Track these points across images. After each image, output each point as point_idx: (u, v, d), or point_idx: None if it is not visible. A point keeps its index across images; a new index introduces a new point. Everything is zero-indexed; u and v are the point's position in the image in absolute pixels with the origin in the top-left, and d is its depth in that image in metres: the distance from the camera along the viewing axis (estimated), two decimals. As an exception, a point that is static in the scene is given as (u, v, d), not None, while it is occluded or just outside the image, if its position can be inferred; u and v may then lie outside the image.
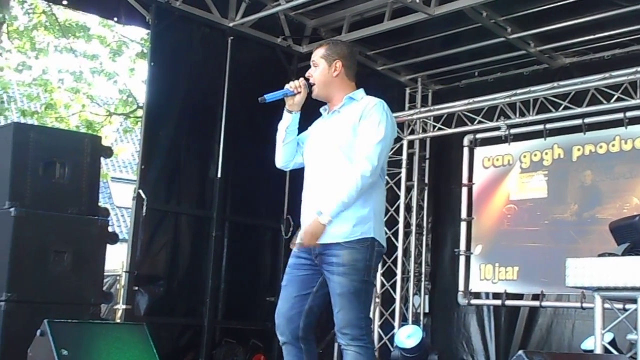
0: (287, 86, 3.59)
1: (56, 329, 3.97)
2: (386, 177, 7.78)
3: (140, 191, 5.99)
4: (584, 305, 6.21)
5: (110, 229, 5.11)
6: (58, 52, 12.19)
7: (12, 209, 4.47)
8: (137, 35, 12.59)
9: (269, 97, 3.57)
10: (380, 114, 3.49)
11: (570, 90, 6.57)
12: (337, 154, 3.49)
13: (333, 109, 3.63)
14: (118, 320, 5.90)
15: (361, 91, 3.69)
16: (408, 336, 6.29)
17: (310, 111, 3.68)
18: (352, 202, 3.42)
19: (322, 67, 3.62)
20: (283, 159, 3.76)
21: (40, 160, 4.68)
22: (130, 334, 4.33)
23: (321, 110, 3.75)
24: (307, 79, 3.63)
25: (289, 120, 3.65)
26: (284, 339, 3.48)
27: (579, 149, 6.74)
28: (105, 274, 5.23)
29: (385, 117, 3.50)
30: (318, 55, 3.65)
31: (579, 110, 6.56)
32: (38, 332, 3.99)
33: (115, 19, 6.55)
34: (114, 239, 5.05)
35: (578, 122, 6.63)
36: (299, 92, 3.57)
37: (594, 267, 4.01)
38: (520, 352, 2.46)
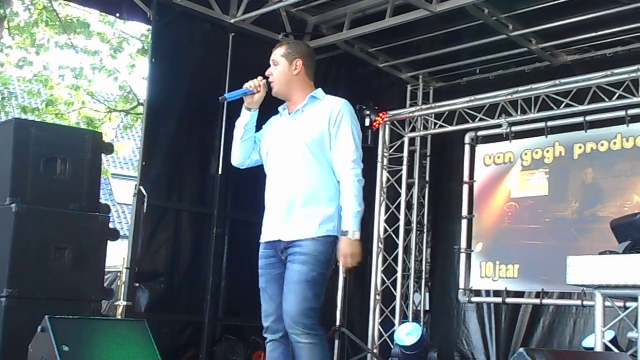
0: (246, 85, 3.68)
1: (57, 324, 3.98)
2: (387, 174, 7.82)
3: (141, 188, 5.99)
4: (585, 303, 6.22)
5: (110, 225, 5.11)
6: (59, 47, 12.18)
7: (13, 205, 4.47)
8: (137, 31, 12.58)
9: (229, 96, 3.70)
10: (349, 117, 3.62)
11: (572, 88, 6.56)
12: (305, 152, 3.56)
13: (295, 108, 3.68)
14: (119, 317, 5.90)
15: (320, 90, 3.77)
16: (407, 333, 6.30)
17: (268, 109, 3.74)
18: (362, 206, 3.57)
19: (282, 65, 3.69)
20: (240, 157, 3.82)
21: (41, 157, 4.67)
22: (131, 330, 4.33)
23: (280, 109, 3.80)
24: (266, 78, 3.69)
25: (247, 118, 3.72)
26: (276, 336, 3.51)
27: (580, 147, 6.73)
28: (106, 270, 5.23)
29: (353, 120, 3.64)
30: (278, 54, 3.72)
31: (580, 107, 6.56)
32: (39, 327, 4.00)
33: (117, 14, 6.56)
34: (115, 235, 5.06)
35: (579, 119, 6.63)
36: (258, 91, 3.66)
37: (594, 265, 4.01)
38: (521, 349, 2.46)
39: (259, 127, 3.81)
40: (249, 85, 3.65)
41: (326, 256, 3.55)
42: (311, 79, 3.75)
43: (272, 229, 3.61)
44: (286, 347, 3.53)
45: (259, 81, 3.65)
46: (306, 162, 3.56)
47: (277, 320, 3.52)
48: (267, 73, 3.72)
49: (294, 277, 3.46)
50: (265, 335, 3.54)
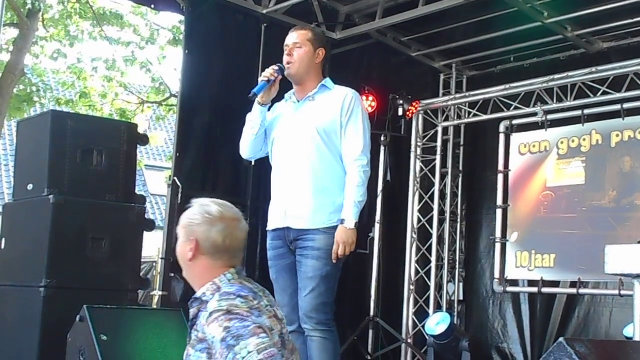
0: (264, 76, 3.67)
1: (95, 314, 4.03)
2: (420, 164, 7.77)
3: (176, 178, 6.02)
4: (622, 292, 6.13)
5: (146, 216, 5.15)
6: (92, 39, 12.30)
7: (50, 196, 4.52)
8: (168, 22, 12.66)
9: (257, 90, 3.69)
10: (360, 108, 3.67)
11: (609, 75, 6.45)
12: (316, 137, 3.59)
13: (305, 95, 3.65)
14: (154, 306, 5.96)
15: (329, 80, 3.76)
16: (437, 323, 6.30)
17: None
18: (364, 196, 3.56)
19: (307, 50, 3.70)
20: (252, 150, 3.88)
21: (78, 148, 4.72)
22: (168, 320, 4.36)
23: (286, 95, 3.79)
24: (278, 66, 3.70)
25: (260, 114, 3.76)
26: (293, 327, 3.52)
27: (617, 135, 6.62)
28: (141, 260, 5.28)
29: (363, 110, 3.70)
30: (304, 37, 3.72)
31: (617, 95, 6.44)
32: (77, 317, 4.05)
33: (152, 5, 6.61)
34: (150, 225, 5.10)
35: (616, 107, 6.51)
36: (274, 77, 3.67)
37: (634, 254, 3.94)
38: (561, 339, 2.41)
39: None
40: (265, 75, 3.66)
41: None
42: (323, 70, 3.79)
43: (280, 216, 3.61)
44: (302, 335, 3.54)
45: (272, 69, 3.67)
46: (316, 148, 3.57)
47: (292, 310, 3.53)
48: (286, 52, 3.70)
49: (308, 272, 3.46)
50: None
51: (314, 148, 3.57)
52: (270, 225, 3.71)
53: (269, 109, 3.82)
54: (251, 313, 2.31)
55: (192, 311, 2.48)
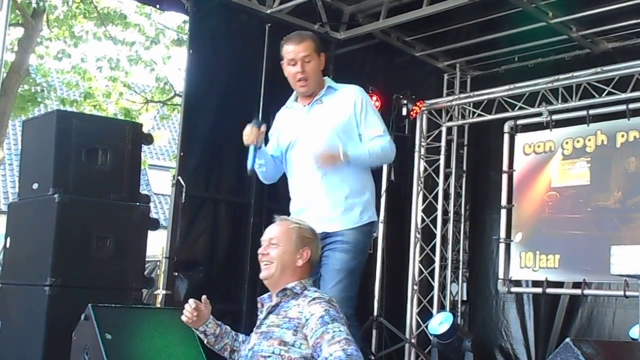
0: (248, 142, 3.64)
1: (100, 313, 4.02)
2: (424, 164, 7.78)
3: (180, 178, 6.03)
4: (627, 293, 6.12)
5: (150, 215, 5.15)
6: (97, 39, 12.32)
7: (56, 195, 4.52)
8: (173, 22, 12.69)
9: (252, 162, 3.70)
10: (368, 100, 3.69)
11: (614, 76, 6.45)
12: (334, 139, 3.56)
13: (312, 100, 3.65)
14: (158, 305, 5.96)
15: (330, 79, 3.77)
16: (440, 323, 6.32)
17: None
18: (372, 159, 3.59)
19: (316, 62, 3.66)
20: (273, 177, 3.88)
21: (83, 148, 4.71)
22: (172, 319, 4.34)
23: (289, 102, 3.77)
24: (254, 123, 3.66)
25: (259, 153, 3.71)
26: None
27: (622, 135, 6.61)
28: (146, 259, 5.28)
29: (370, 101, 3.73)
30: (311, 49, 3.67)
31: (623, 95, 6.44)
32: (82, 316, 4.04)
33: (157, 5, 6.62)
34: (155, 225, 5.09)
35: (622, 107, 6.51)
36: (258, 139, 3.63)
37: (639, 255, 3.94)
38: (568, 340, 2.41)
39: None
40: (250, 140, 3.63)
41: (366, 246, 3.62)
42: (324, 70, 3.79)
43: (313, 223, 3.59)
44: None
45: (252, 132, 3.63)
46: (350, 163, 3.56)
47: None
48: (299, 69, 3.64)
49: (336, 265, 3.47)
50: None
51: (349, 164, 3.56)
52: None
53: (266, 144, 3.81)
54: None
55: (275, 300, 2.88)
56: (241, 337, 3.26)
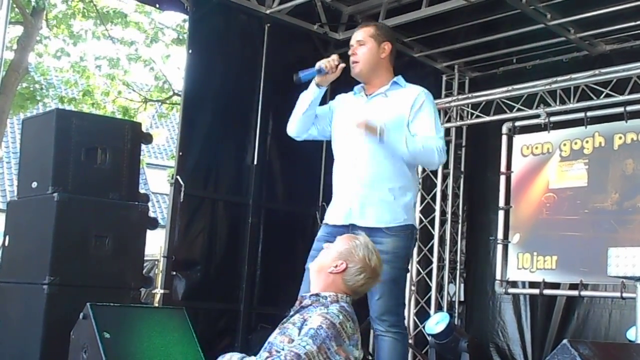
0: (320, 64, 3.56)
1: (98, 312, 4.04)
2: (423, 164, 7.74)
3: (179, 177, 6.04)
4: (624, 295, 6.15)
5: (149, 214, 5.17)
6: (95, 38, 12.32)
7: (55, 194, 4.54)
8: (172, 21, 12.68)
9: (304, 76, 3.57)
10: (431, 105, 3.56)
11: (612, 78, 6.47)
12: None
13: (377, 91, 3.60)
14: (156, 304, 5.97)
15: (401, 78, 3.68)
16: (437, 323, 6.35)
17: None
18: (410, 150, 3.42)
19: (371, 46, 3.59)
20: (299, 129, 3.73)
21: (82, 146, 4.73)
22: (171, 318, 4.38)
23: (356, 89, 3.72)
24: (343, 59, 3.61)
25: (315, 94, 3.63)
26: None
27: (620, 137, 6.63)
28: (144, 258, 5.29)
29: (434, 108, 3.58)
30: (367, 34, 3.62)
31: (620, 98, 6.46)
32: (81, 315, 4.06)
33: (157, 5, 6.63)
34: (154, 224, 5.11)
35: (620, 110, 6.52)
36: (333, 72, 3.56)
37: (637, 257, 3.96)
38: (565, 341, 2.43)
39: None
40: (324, 64, 3.55)
41: (407, 251, 3.52)
42: (392, 65, 3.69)
43: (344, 213, 3.51)
44: None
45: (334, 61, 3.56)
46: (385, 145, 3.46)
47: None
48: (350, 52, 3.63)
49: None
50: None
51: (382, 145, 3.45)
52: (329, 220, 3.59)
53: (327, 98, 3.72)
54: (349, 339, 2.68)
55: (305, 302, 2.85)
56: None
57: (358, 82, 3.74)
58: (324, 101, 3.79)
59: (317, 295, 2.85)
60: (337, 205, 3.58)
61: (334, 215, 3.59)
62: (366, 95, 3.66)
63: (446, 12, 6.36)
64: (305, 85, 3.69)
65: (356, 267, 2.85)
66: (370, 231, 3.35)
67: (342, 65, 3.58)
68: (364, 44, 3.60)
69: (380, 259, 2.90)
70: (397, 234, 3.43)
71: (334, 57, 3.59)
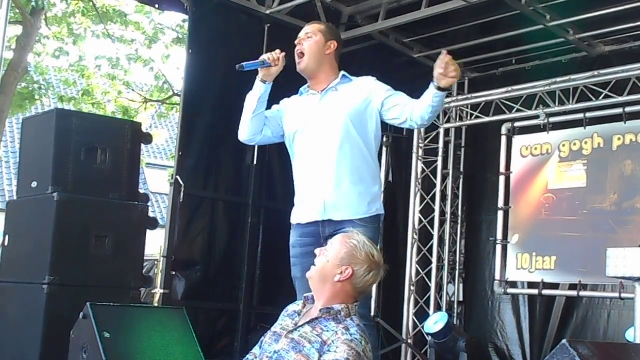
0: (264, 57, 3.58)
1: (98, 311, 4.05)
2: (422, 165, 7.79)
3: (178, 177, 6.05)
4: (623, 295, 6.16)
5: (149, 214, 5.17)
6: (95, 37, 12.32)
7: (55, 194, 4.55)
8: (172, 21, 12.68)
9: (247, 65, 3.59)
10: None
11: (611, 79, 6.49)
12: (348, 125, 3.51)
13: (325, 87, 3.61)
14: (156, 304, 5.98)
15: (345, 72, 3.71)
16: (435, 322, 6.36)
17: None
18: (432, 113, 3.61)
19: (318, 39, 3.62)
20: (250, 132, 3.75)
21: (82, 146, 4.75)
22: (170, 318, 4.38)
23: (302, 89, 3.72)
24: (301, 54, 3.63)
25: (261, 91, 3.65)
26: None
27: (619, 138, 6.65)
28: (144, 258, 5.30)
29: None
30: (315, 28, 3.67)
31: (619, 99, 6.48)
32: (80, 314, 4.07)
33: (156, 5, 6.64)
34: (153, 224, 5.11)
35: (618, 110, 6.54)
36: (275, 64, 3.57)
37: (635, 257, 3.96)
38: (564, 341, 2.43)
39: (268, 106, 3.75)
40: (267, 57, 3.57)
41: (375, 240, 3.44)
42: (337, 64, 3.70)
43: (318, 209, 3.50)
44: None
45: (277, 54, 3.58)
46: (349, 137, 3.49)
47: None
48: (296, 42, 3.65)
49: None
50: None
51: (346, 136, 3.48)
52: (301, 219, 3.57)
53: (275, 101, 3.75)
54: None
55: (316, 314, 2.76)
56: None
57: (296, 91, 3.76)
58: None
59: (327, 309, 2.76)
60: (307, 202, 3.56)
61: (306, 213, 3.56)
62: (318, 92, 3.64)
63: (445, 13, 6.36)
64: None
65: (363, 268, 2.79)
66: (339, 224, 3.39)
67: (283, 54, 3.59)
68: (311, 36, 3.62)
69: (377, 248, 2.87)
70: (366, 224, 3.43)
71: (277, 51, 3.61)
